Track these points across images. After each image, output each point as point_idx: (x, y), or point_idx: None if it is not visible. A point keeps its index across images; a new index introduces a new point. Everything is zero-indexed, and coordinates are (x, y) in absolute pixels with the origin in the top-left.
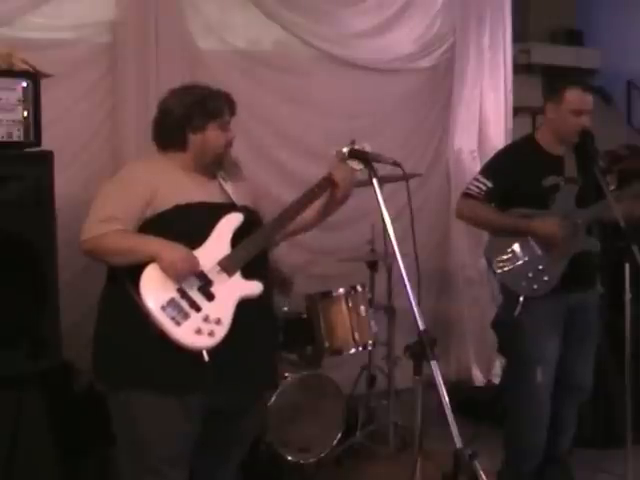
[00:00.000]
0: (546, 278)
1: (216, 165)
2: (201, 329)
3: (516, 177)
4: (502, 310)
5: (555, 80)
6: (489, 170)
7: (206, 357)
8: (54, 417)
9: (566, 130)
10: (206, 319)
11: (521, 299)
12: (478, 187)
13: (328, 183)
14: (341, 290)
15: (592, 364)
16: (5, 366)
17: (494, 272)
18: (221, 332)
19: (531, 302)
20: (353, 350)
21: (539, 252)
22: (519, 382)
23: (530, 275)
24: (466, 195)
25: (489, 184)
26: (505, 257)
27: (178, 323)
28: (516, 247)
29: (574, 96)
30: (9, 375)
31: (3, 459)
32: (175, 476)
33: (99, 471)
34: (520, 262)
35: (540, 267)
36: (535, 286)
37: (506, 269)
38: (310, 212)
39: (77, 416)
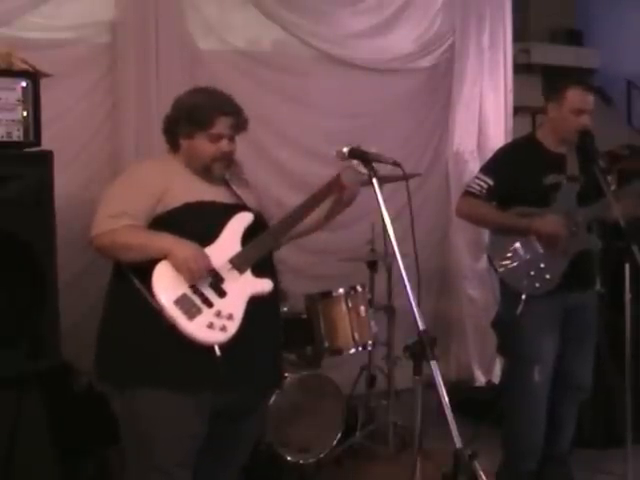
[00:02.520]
0: (548, 276)
1: (206, 172)
2: (213, 324)
3: (517, 174)
4: (502, 309)
5: (556, 79)
6: (490, 167)
7: (218, 352)
8: (53, 417)
9: (566, 129)
10: (218, 314)
11: (523, 297)
12: (479, 185)
13: (336, 185)
14: (341, 290)
15: (591, 364)
16: (5, 366)
17: (495, 270)
18: (233, 327)
19: (532, 301)
20: (353, 350)
21: (541, 250)
22: (517, 381)
23: (532, 273)
24: (467, 193)
25: (490, 182)
26: (507, 255)
27: (190, 318)
28: (518, 245)
29: (575, 95)
30: (9, 375)
31: (2, 459)
32: (182, 476)
33: (99, 471)
34: (522, 260)
35: (542, 265)
36: (537, 284)
37: (508, 267)
38: (315, 214)
39: (77, 416)
